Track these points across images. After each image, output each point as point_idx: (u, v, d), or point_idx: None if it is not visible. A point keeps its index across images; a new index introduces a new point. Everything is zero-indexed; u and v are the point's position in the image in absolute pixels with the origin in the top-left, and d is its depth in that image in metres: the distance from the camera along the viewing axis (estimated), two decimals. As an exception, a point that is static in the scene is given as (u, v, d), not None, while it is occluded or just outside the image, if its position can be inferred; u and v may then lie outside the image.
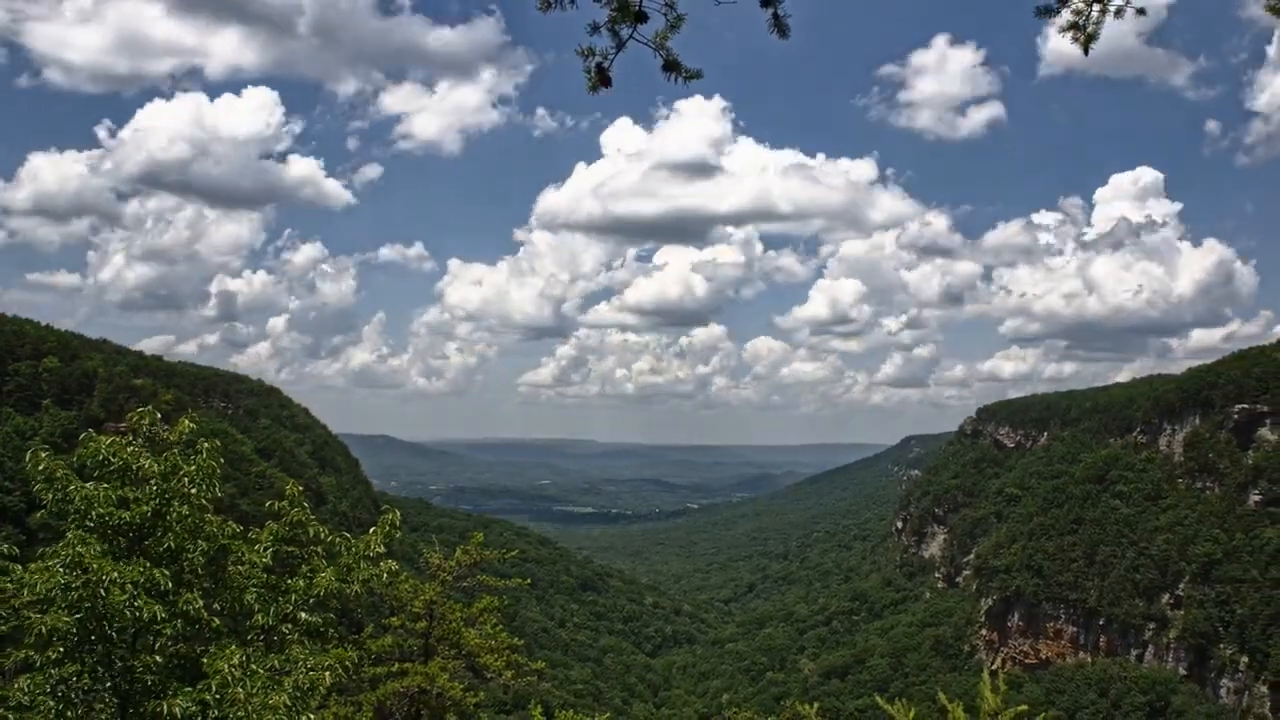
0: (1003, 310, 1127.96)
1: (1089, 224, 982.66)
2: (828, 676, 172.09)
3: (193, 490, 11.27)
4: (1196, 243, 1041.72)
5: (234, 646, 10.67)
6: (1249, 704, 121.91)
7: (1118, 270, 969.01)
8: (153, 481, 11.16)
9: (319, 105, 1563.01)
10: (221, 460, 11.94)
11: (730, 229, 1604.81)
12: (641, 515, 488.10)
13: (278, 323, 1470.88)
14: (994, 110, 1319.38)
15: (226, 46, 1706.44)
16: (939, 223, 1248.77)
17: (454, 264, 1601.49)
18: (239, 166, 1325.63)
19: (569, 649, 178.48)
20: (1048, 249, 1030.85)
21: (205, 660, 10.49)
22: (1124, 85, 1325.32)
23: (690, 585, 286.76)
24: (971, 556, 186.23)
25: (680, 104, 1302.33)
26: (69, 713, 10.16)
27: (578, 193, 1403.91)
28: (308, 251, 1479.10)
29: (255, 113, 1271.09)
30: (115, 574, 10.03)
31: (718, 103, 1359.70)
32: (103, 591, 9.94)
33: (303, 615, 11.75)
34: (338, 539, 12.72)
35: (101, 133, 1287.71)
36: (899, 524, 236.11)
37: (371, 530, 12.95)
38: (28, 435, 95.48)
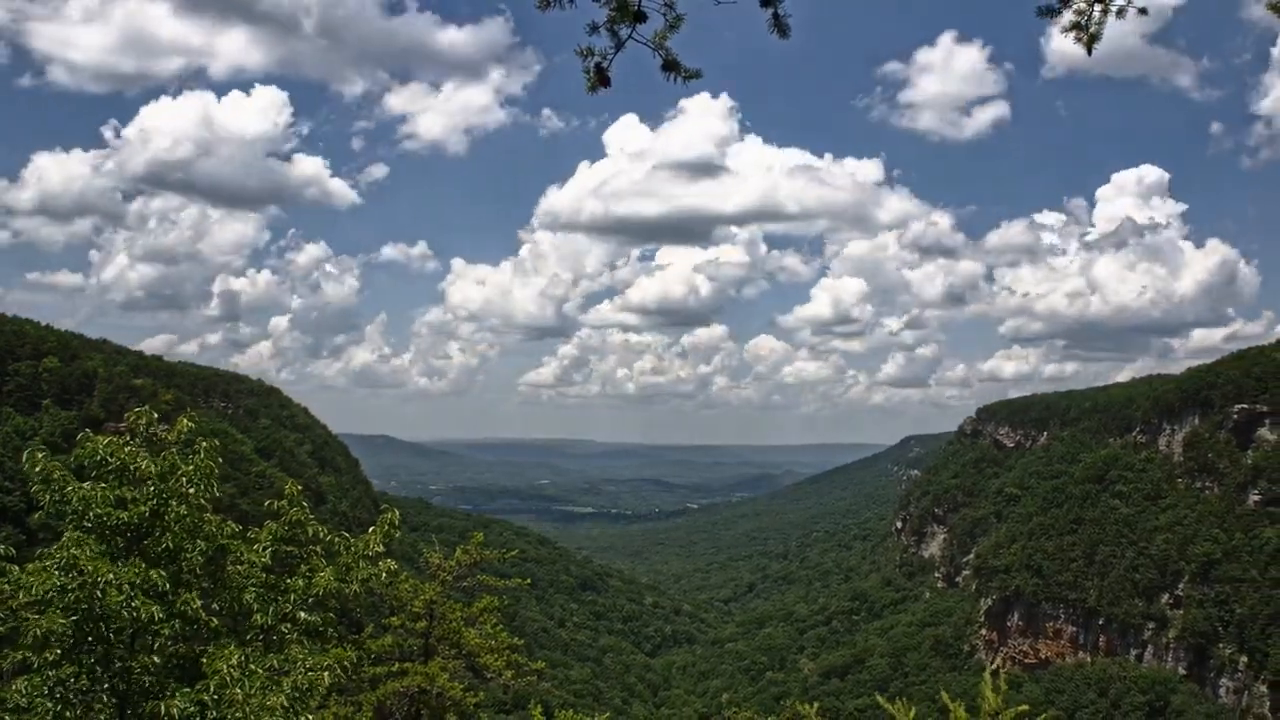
0: (1004, 310, 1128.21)
1: (1091, 224, 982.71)
2: (827, 676, 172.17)
3: (191, 490, 11.24)
4: (1199, 243, 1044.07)
5: (232, 647, 10.65)
6: (1248, 704, 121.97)
7: (1120, 270, 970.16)
8: (150, 481, 11.14)
9: (325, 105, 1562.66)
10: (220, 460, 11.92)
11: (734, 229, 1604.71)
12: (641, 515, 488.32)
13: (280, 322, 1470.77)
14: (999, 109, 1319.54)
15: (233, 46, 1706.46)
16: (943, 222, 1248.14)
17: (458, 264, 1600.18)
18: (244, 166, 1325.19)
19: (569, 649, 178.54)
20: (1051, 249, 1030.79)
21: (204, 660, 10.47)
22: (1129, 85, 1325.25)
23: (690, 585, 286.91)
24: (971, 556, 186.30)
25: (685, 102, 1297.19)
26: (67, 714, 10.12)
27: (580, 192, 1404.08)
28: (312, 251, 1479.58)
29: (262, 112, 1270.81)
30: (111, 575, 10.01)
31: (724, 101, 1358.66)
32: (99, 593, 9.92)
33: (302, 615, 11.72)
34: (337, 538, 12.69)
35: (107, 132, 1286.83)
36: (899, 524, 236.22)
37: (371, 530, 12.92)
38: (28, 435, 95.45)
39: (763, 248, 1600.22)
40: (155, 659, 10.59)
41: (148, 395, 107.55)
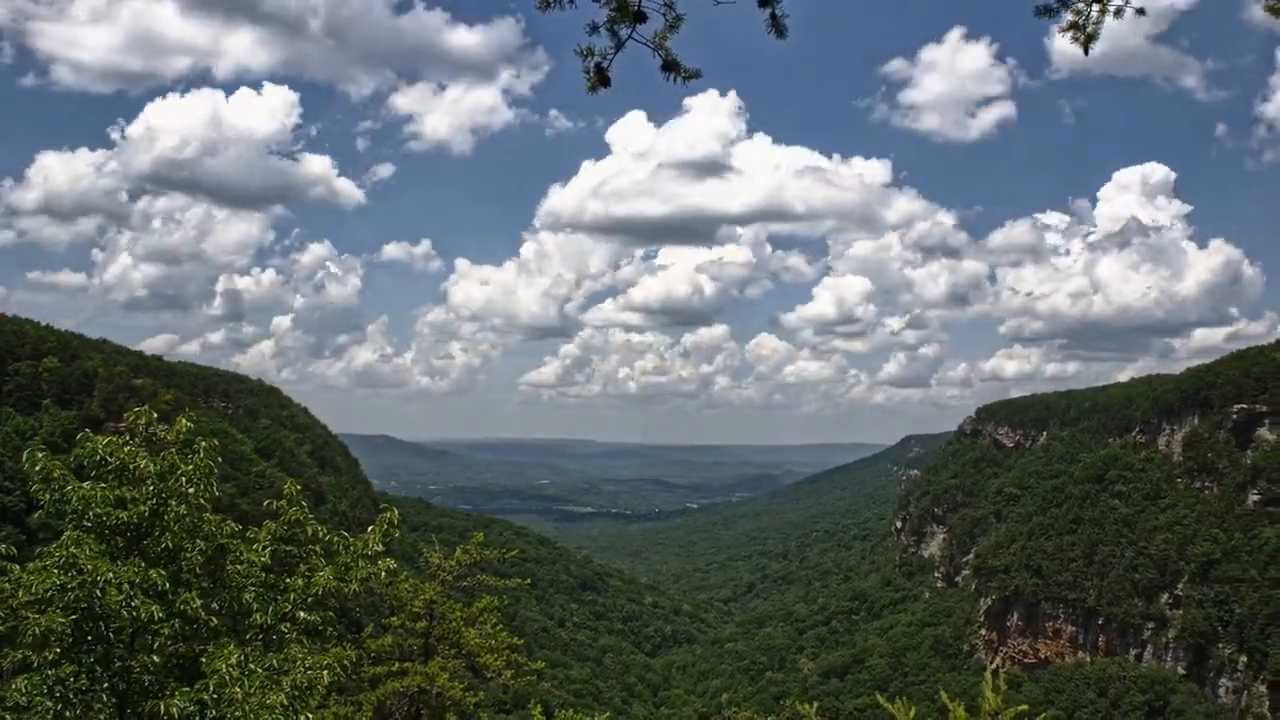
0: (1006, 310, 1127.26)
1: (1094, 224, 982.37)
2: (827, 676, 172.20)
3: (190, 490, 11.25)
4: (1203, 244, 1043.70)
5: (232, 646, 10.66)
6: (1248, 703, 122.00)
7: (1124, 270, 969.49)
8: (150, 481, 11.14)
9: (333, 104, 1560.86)
10: (220, 460, 11.92)
11: (739, 229, 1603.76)
12: (641, 515, 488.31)
13: (282, 321, 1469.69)
14: (1004, 109, 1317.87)
15: (239, 46, 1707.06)
16: (946, 222, 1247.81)
17: (462, 264, 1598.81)
18: (250, 165, 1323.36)
19: (569, 649, 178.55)
20: (1054, 249, 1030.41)
21: (203, 660, 10.47)
22: (1134, 86, 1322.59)
23: (690, 585, 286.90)
24: (971, 556, 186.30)
25: (690, 101, 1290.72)
26: (67, 713, 10.13)
27: (583, 192, 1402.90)
28: (316, 251, 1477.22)
29: (269, 112, 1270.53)
30: (111, 574, 10.02)
31: (731, 100, 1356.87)
32: (99, 592, 9.93)
33: (301, 614, 11.73)
34: (336, 538, 12.71)
35: (113, 132, 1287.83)
36: (898, 524, 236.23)
37: (370, 529, 12.94)
38: (28, 435, 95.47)
39: (767, 248, 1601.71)
40: (155, 658, 10.60)
41: (147, 395, 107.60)
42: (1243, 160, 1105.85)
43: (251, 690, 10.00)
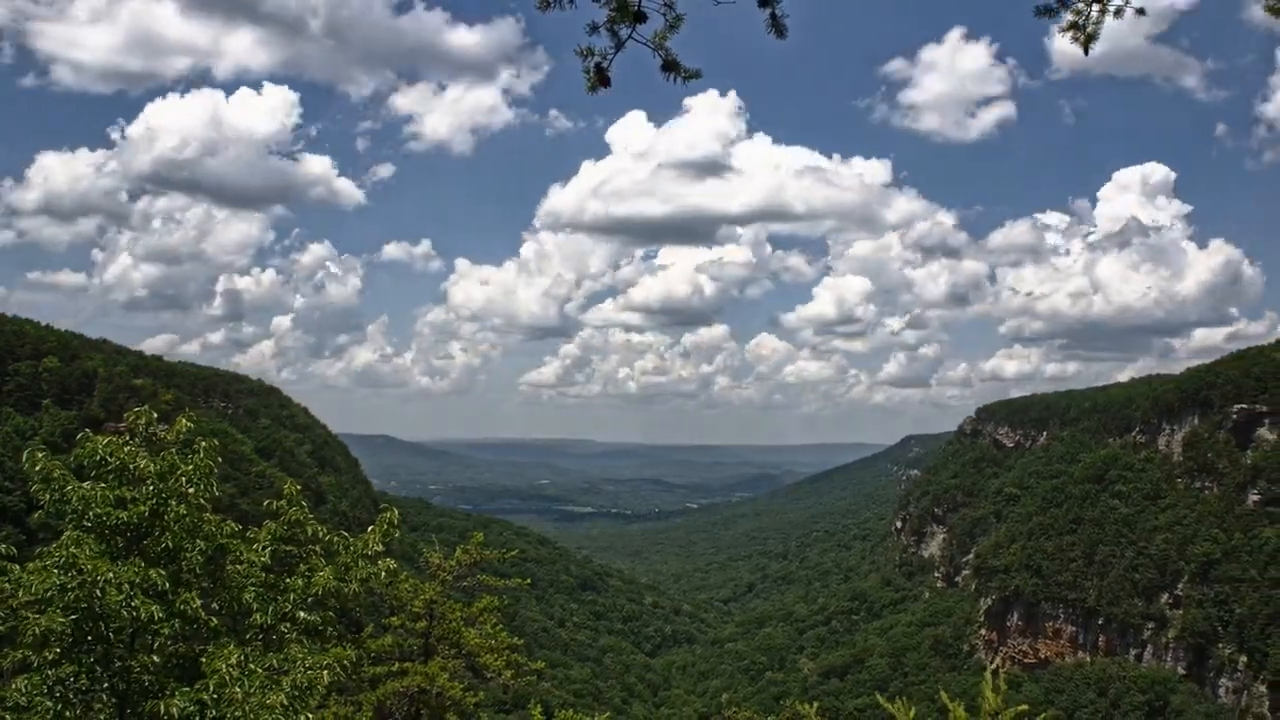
0: (1006, 310, 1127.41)
1: (1094, 224, 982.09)
2: (827, 676, 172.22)
3: (190, 490, 11.24)
4: (1203, 244, 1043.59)
5: (232, 646, 10.65)
6: (1248, 703, 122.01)
7: (1124, 270, 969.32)
8: (150, 481, 11.14)
9: (333, 104, 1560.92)
10: (220, 460, 11.91)
11: (739, 229, 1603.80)
12: (641, 515, 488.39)
13: (282, 321, 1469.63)
14: (1004, 109, 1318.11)
15: (239, 46, 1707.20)
16: (946, 222, 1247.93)
17: (462, 264, 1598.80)
18: (250, 165, 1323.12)
19: (569, 649, 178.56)
20: (1054, 249, 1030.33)
21: (203, 660, 10.47)
22: (1134, 86, 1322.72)
23: (690, 585, 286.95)
24: (971, 556, 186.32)
25: (690, 101, 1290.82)
26: (67, 713, 10.13)
27: (583, 192, 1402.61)
28: (316, 251, 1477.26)
29: (269, 112, 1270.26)
30: (111, 574, 10.02)
31: (731, 100, 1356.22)
32: (99, 592, 9.93)
33: (301, 614, 11.72)
34: (336, 538, 12.71)
35: (114, 133, 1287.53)
36: (898, 524, 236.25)
37: (370, 529, 12.94)
38: (28, 435, 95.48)
39: (767, 248, 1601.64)
40: (155, 658, 10.60)
41: (147, 395, 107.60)
42: (1243, 160, 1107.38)
43: (251, 690, 10.00)
